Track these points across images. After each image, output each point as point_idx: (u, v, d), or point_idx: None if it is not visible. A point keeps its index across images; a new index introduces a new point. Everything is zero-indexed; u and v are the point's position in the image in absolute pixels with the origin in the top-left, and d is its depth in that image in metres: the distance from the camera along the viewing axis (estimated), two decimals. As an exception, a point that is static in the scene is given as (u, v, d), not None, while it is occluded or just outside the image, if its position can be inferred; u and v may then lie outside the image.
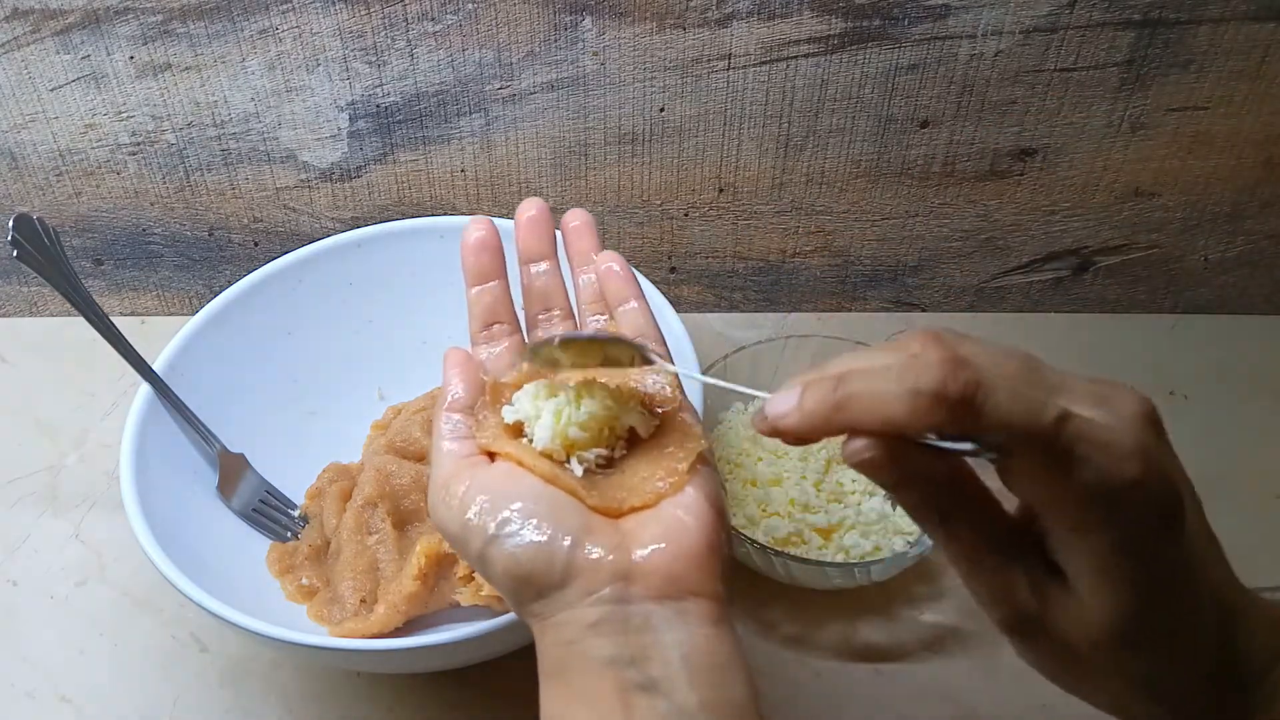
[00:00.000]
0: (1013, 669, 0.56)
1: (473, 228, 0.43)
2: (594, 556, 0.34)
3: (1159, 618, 0.31)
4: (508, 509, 0.35)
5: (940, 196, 0.72)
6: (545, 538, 0.35)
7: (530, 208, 0.44)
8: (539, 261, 0.44)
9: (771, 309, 0.79)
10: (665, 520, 0.36)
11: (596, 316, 0.43)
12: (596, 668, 0.33)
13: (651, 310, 0.43)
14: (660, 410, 0.40)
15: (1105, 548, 0.30)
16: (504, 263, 0.43)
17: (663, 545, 0.35)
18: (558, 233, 0.45)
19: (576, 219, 0.44)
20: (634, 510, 0.37)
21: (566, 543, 0.34)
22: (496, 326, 0.43)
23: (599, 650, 0.33)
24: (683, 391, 0.41)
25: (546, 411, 0.38)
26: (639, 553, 0.35)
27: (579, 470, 0.38)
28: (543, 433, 0.38)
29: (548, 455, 0.38)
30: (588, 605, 0.34)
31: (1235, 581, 0.34)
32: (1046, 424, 0.29)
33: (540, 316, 0.44)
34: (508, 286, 0.43)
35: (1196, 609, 0.32)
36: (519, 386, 0.40)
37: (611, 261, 0.43)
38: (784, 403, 0.31)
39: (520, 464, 0.37)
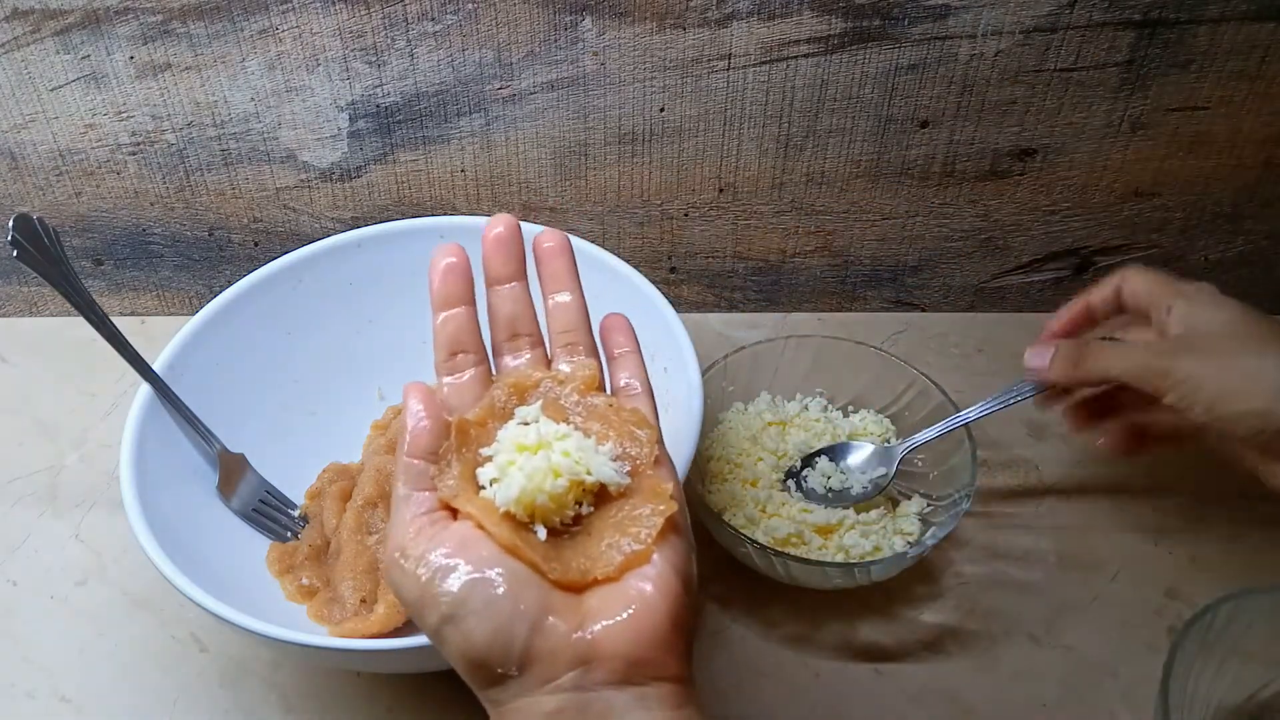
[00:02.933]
0: (1013, 669, 0.56)
1: (441, 253, 0.41)
2: (553, 642, 0.33)
3: None
4: (465, 585, 0.33)
5: (940, 196, 0.72)
6: (503, 621, 0.33)
7: (499, 224, 0.42)
8: (505, 283, 0.42)
9: (771, 309, 0.79)
10: (629, 597, 0.34)
11: (569, 345, 0.41)
12: None
13: (600, 353, 0.41)
14: (630, 467, 0.38)
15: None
16: (473, 288, 0.41)
17: (626, 628, 0.33)
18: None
19: (551, 240, 0.42)
20: (597, 583, 0.35)
21: (525, 627, 0.33)
22: (461, 356, 0.40)
23: None
24: (661, 445, 0.39)
25: (517, 471, 0.36)
26: (600, 636, 0.33)
27: (543, 534, 0.36)
28: (507, 492, 0.35)
29: (510, 516, 0.35)
30: (546, 693, 0.33)
31: None
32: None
33: (506, 344, 0.42)
34: (475, 313, 0.41)
35: None
36: (483, 424, 0.38)
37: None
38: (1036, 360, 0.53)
39: (479, 524, 0.35)
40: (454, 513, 0.36)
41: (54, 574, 0.63)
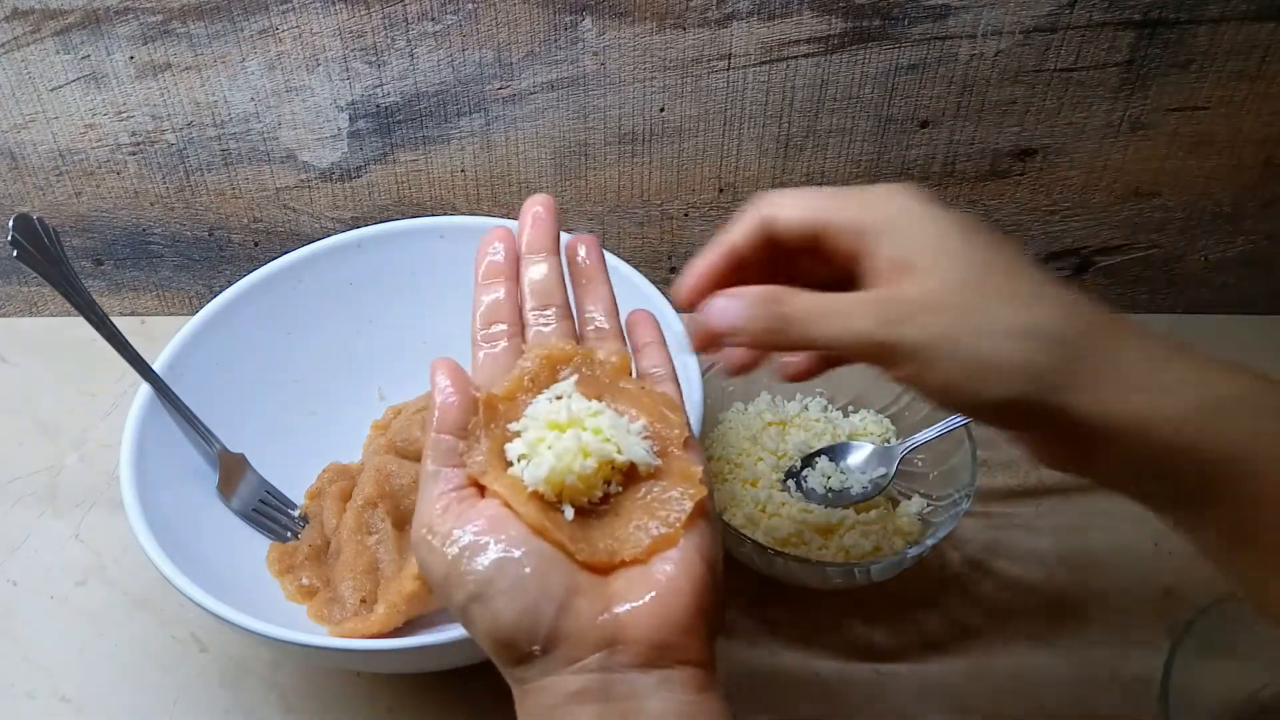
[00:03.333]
0: (1013, 669, 0.56)
1: (490, 237, 0.42)
2: (579, 623, 0.33)
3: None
4: (493, 564, 0.34)
5: (940, 196, 0.72)
6: (530, 602, 0.33)
7: (537, 203, 0.43)
8: (539, 255, 0.43)
9: (771, 309, 0.79)
10: (655, 581, 0.34)
11: (596, 332, 0.42)
12: None
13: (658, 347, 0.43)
14: (660, 448, 0.37)
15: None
16: (517, 269, 0.42)
17: (651, 612, 0.33)
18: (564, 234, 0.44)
19: (585, 244, 0.44)
20: (624, 565, 0.35)
21: (552, 608, 0.33)
22: (497, 327, 0.41)
23: (581, 718, 0.32)
24: (689, 428, 0.39)
25: (547, 450, 0.36)
26: (626, 619, 0.33)
27: (570, 514, 0.36)
28: (536, 472, 0.35)
29: (538, 495, 0.35)
30: (571, 673, 0.33)
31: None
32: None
33: (537, 311, 0.42)
34: (516, 292, 0.42)
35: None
36: (511, 398, 0.38)
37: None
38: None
39: (506, 503, 0.35)
40: (482, 490, 0.36)
41: (54, 574, 0.63)
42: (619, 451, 0.36)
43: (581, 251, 0.44)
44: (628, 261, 0.62)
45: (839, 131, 0.69)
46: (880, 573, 0.56)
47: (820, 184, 0.71)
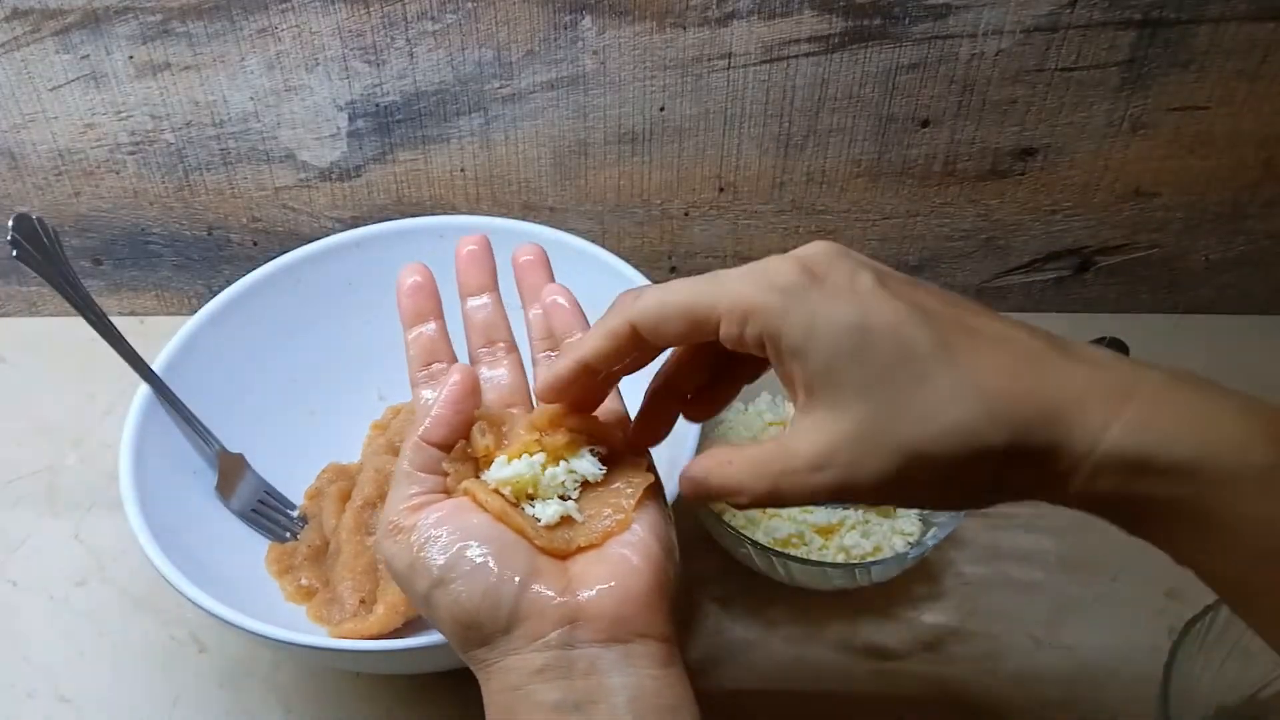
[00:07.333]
0: (1013, 669, 0.56)
1: (407, 273, 0.43)
2: (540, 602, 0.34)
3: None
4: (455, 550, 0.35)
5: (941, 196, 0.72)
6: (491, 583, 0.34)
7: (470, 242, 0.44)
8: (479, 294, 0.44)
9: (771, 309, 0.79)
10: (612, 561, 0.36)
11: (548, 353, 0.43)
12: (543, 713, 0.33)
13: None
14: (609, 452, 0.39)
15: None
16: (440, 304, 0.43)
17: (610, 587, 0.35)
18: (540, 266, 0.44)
19: (528, 253, 0.44)
20: (581, 550, 0.37)
21: (513, 588, 0.34)
22: (436, 366, 0.42)
23: (545, 695, 0.33)
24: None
25: (517, 460, 0.38)
26: (585, 595, 0.34)
27: (529, 511, 0.37)
28: (499, 472, 0.37)
29: (498, 493, 0.37)
30: (533, 650, 0.34)
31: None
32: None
33: (483, 350, 0.43)
34: (445, 326, 0.43)
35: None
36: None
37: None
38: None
39: (473, 498, 0.37)
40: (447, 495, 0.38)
41: (54, 574, 0.63)
42: (572, 472, 0.38)
43: (526, 256, 0.44)
44: (628, 261, 0.62)
45: (839, 131, 0.69)
46: (880, 573, 0.56)
47: (821, 183, 0.72)
